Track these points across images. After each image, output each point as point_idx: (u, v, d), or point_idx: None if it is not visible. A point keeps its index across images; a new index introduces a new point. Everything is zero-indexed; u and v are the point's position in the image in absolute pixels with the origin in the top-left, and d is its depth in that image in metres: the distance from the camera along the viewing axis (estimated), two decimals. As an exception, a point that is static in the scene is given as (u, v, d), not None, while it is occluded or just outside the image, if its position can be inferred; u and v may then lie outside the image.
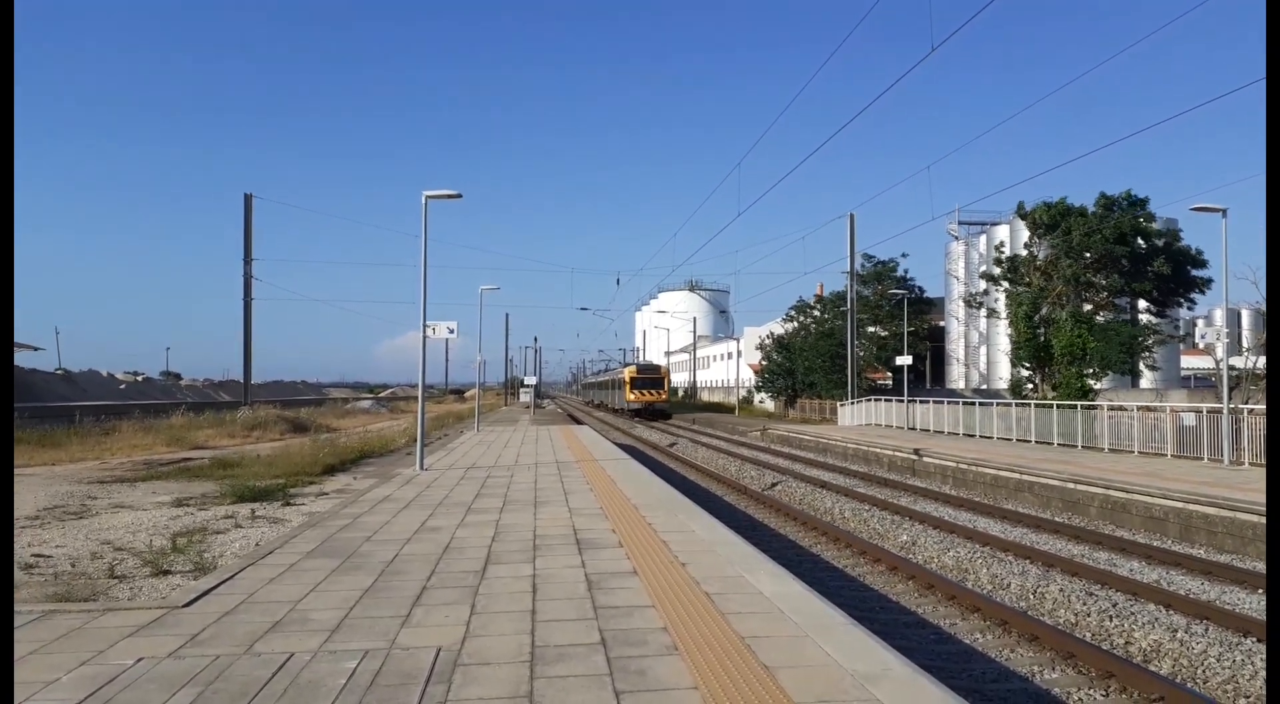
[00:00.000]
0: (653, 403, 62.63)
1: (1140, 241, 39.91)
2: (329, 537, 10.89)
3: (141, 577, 10.07)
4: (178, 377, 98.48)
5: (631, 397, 62.69)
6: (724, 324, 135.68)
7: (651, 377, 64.78)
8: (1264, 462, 18.89)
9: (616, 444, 31.47)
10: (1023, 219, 43.02)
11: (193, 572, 10.12)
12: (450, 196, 19.13)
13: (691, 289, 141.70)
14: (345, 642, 6.29)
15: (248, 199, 46.35)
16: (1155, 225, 40.68)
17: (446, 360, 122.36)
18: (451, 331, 20.08)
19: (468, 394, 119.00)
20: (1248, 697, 7.52)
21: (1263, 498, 14.00)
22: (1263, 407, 21.10)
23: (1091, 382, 32.69)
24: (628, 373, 64.96)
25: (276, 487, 17.98)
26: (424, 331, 19.61)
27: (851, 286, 47.72)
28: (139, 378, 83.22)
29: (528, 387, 75.65)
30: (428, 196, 19.02)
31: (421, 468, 19.68)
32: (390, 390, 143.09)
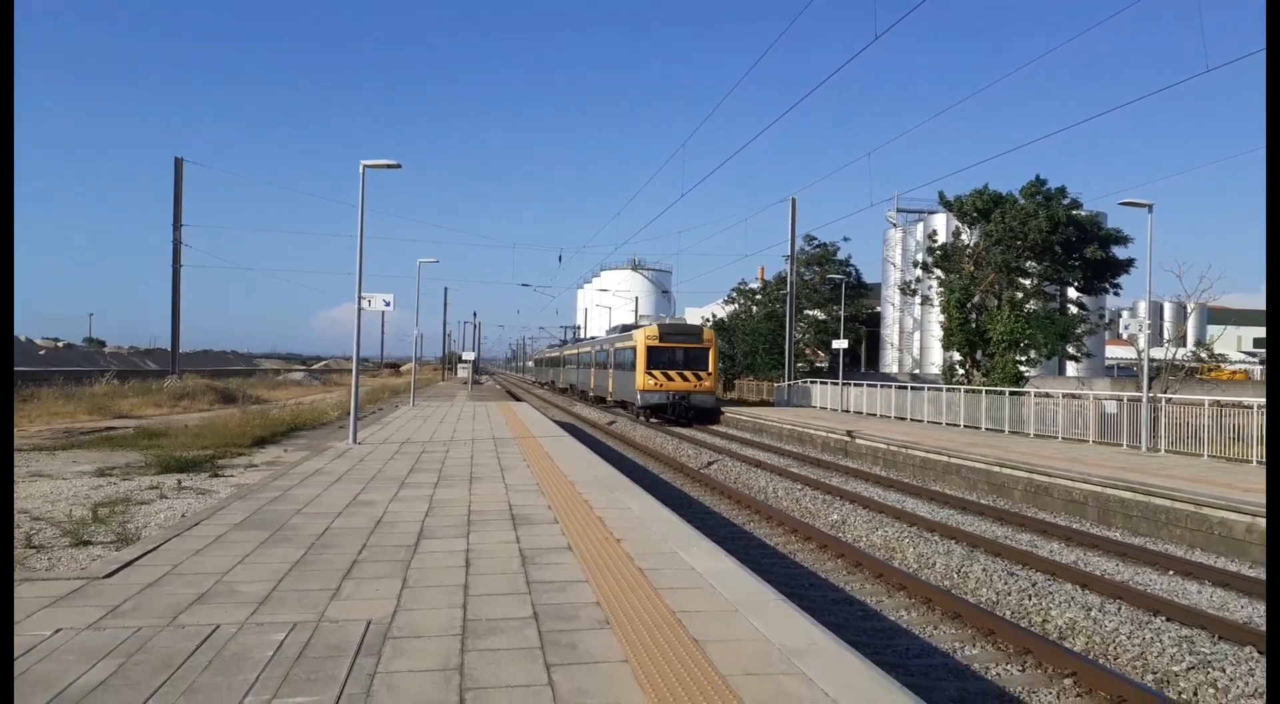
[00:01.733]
0: (689, 393, 36.65)
1: (1071, 229, 40.97)
2: (258, 509, 10.70)
3: (60, 547, 9.80)
4: (101, 344, 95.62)
5: (649, 381, 36.60)
6: (666, 304, 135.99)
7: (689, 345, 37.54)
8: (1181, 450, 19.62)
9: (555, 421, 31.42)
10: (947, 208, 43.91)
11: (115, 542, 9.87)
12: (389, 167, 18.81)
13: (634, 268, 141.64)
14: (273, 614, 6.21)
15: (178, 163, 45.01)
16: (1083, 212, 41.73)
17: (382, 333, 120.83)
18: (388, 304, 19.79)
19: (404, 368, 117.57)
20: (1155, 672, 7.84)
21: (1177, 484, 14.56)
22: (1181, 396, 21.90)
23: (1025, 368, 33.57)
24: (643, 338, 37.36)
25: (204, 457, 17.61)
26: (359, 303, 19.29)
27: (791, 271, 48.18)
28: (60, 344, 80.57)
29: (466, 362, 75.07)
30: (366, 166, 18.67)
31: (354, 441, 19.42)
32: (324, 362, 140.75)
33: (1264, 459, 17.04)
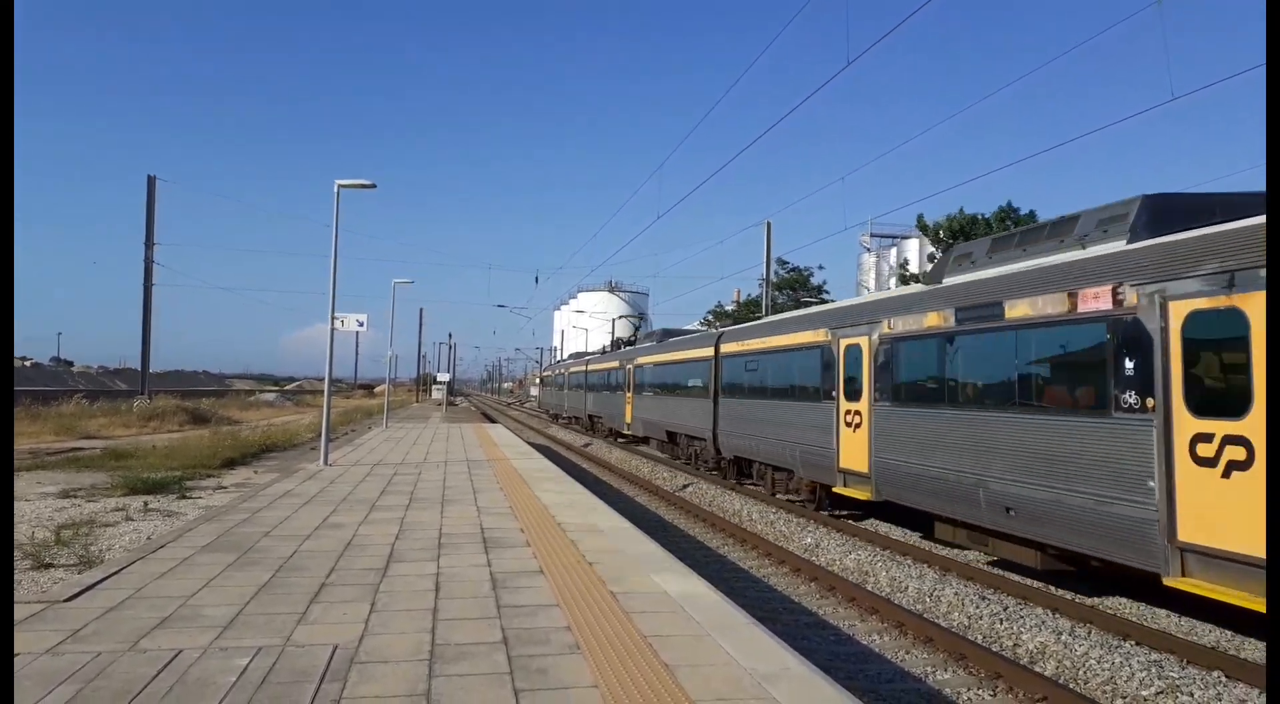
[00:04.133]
0: None
1: None
2: (226, 531, 10.55)
3: (21, 570, 9.61)
4: (69, 363, 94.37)
5: None
6: (643, 327, 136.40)
7: None
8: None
9: (530, 443, 31.28)
10: (923, 231, 44.48)
11: (77, 565, 9.71)
12: (364, 186, 18.78)
13: (611, 290, 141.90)
14: (238, 639, 6.11)
15: (151, 181, 44.66)
16: None
17: (356, 354, 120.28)
18: (361, 324, 19.70)
19: (377, 389, 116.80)
20: (1125, 696, 7.87)
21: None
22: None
23: None
24: None
25: (172, 479, 17.38)
26: (332, 324, 19.18)
27: (766, 294, 48.47)
28: (27, 363, 79.43)
29: (441, 383, 74.79)
30: (340, 186, 18.64)
31: (326, 463, 19.23)
32: (296, 383, 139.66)
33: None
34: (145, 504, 14.36)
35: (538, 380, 75.10)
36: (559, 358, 64.11)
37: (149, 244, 44.19)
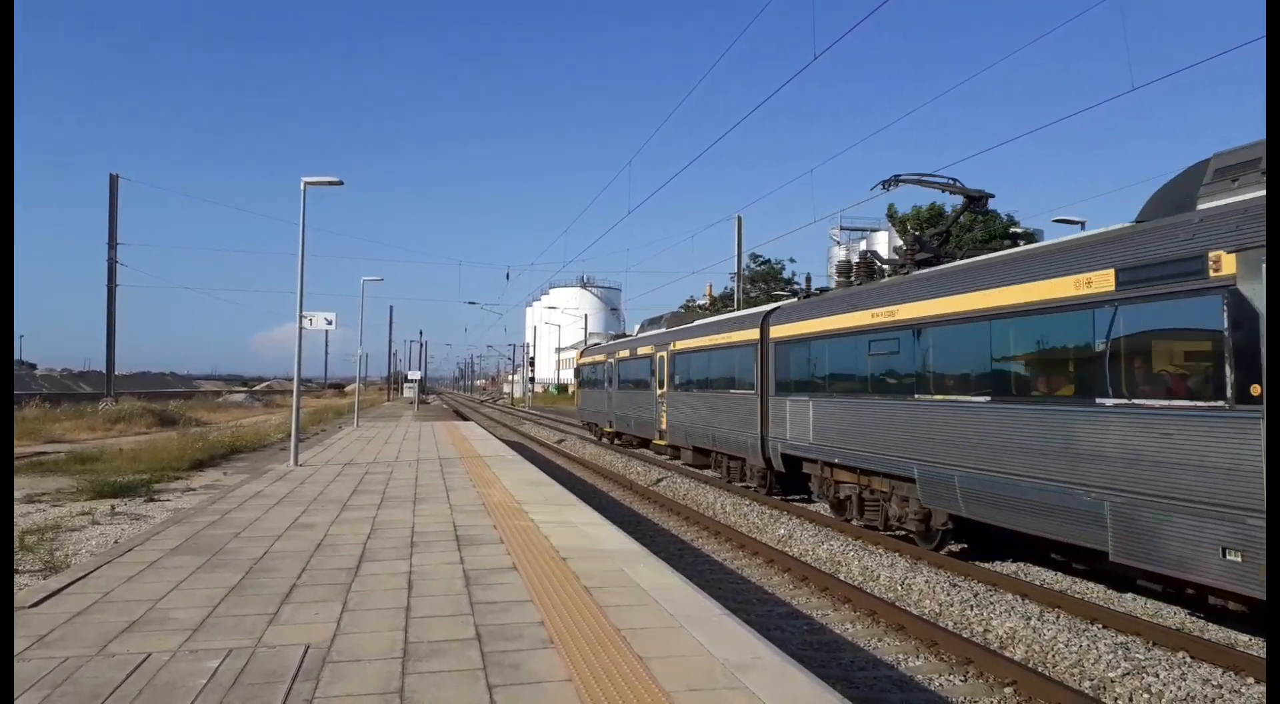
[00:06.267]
0: None
1: (1009, 244, 42.19)
2: (194, 533, 10.44)
3: (-15, 577, 9.45)
4: (32, 366, 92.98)
5: None
6: (615, 322, 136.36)
7: None
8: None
9: (503, 441, 31.19)
10: (893, 221, 44.99)
11: (42, 571, 9.58)
12: (331, 183, 18.60)
13: (583, 286, 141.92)
14: (208, 641, 6.06)
15: (113, 180, 44.01)
16: (1020, 229, 42.95)
17: (326, 353, 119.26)
18: (330, 323, 19.53)
19: (348, 389, 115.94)
20: (1092, 678, 7.99)
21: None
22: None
23: None
24: None
25: (140, 482, 17.17)
26: (300, 322, 19.01)
27: (739, 288, 48.65)
28: (-12, 367, 78.04)
29: (412, 381, 74.42)
30: (307, 183, 18.45)
31: (296, 463, 19.07)
32: (266, 383, 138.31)
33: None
34: (112, 508, 14.19)
35: (573, 373, 50.63)
36: (620, 334, 42.40)
37: (112, 244, 43.57)
